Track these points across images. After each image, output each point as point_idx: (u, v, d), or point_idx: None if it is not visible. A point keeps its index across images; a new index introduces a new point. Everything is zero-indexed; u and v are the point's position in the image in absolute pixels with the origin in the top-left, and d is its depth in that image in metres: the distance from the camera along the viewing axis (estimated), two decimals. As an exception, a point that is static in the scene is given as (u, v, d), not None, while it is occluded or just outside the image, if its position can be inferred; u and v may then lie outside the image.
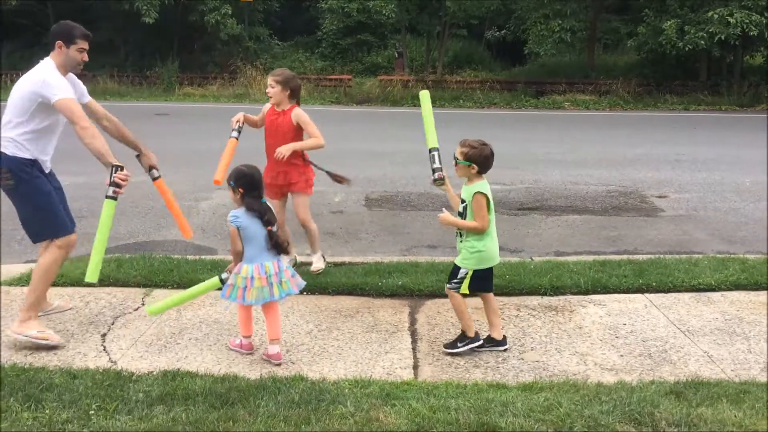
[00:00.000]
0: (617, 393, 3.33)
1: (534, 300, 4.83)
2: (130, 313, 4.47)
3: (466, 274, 3.91)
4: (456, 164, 3.91)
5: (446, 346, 4.00)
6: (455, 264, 3.98)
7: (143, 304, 4.58)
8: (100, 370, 3.51)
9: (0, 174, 3.91)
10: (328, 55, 25.75)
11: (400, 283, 4.97)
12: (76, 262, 5.14)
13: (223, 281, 3.83)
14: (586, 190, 8.55)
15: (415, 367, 3.82)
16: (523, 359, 3.93)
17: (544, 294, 4.91)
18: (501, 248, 6.24)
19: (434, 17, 22.35)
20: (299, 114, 4.94)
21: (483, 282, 3.99)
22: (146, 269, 5.14)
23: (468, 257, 3.91)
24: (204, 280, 4.42)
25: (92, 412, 3.02)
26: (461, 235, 3.96)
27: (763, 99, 19.60)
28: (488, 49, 27.19)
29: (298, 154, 4.97)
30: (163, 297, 4.36)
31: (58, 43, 3.98)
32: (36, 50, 23.63)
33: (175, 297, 3.99)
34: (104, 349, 3.92)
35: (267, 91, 5.02)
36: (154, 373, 3.52)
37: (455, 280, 3.93)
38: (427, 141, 4.23)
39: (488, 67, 25.11)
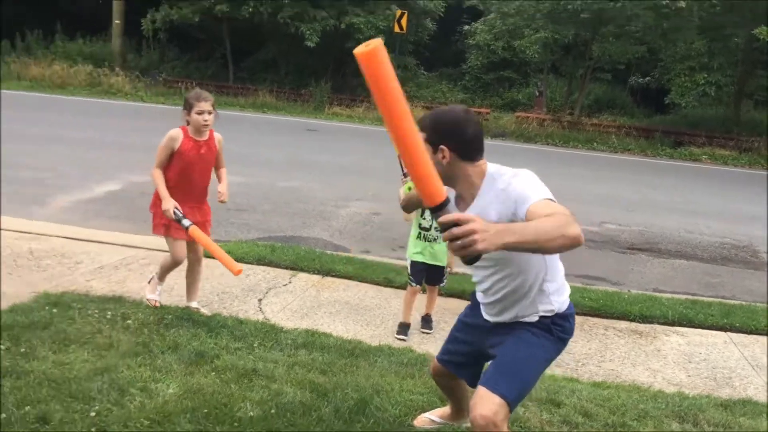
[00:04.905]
0: (672, 398, 3.95)
1: (622, 324, 5.43)
2: (279, 287, 5.53)
3: None
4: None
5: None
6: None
7: (290, 282, 5.63)
8: (260, 321, 4.55)
9: None
10: (470, 87, 26.78)
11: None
12: (238, 243, 6.35)
13: None
14: (699, 239, 8.88)
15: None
16: (600, 367, 4.59)
17: (633, 320, 5.49)
18: (603, 280, 6.82)
19: (579, 60, 22.79)
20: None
21: None
22: (293, 256, 6.19)
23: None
24: (339, 271, 5.45)
25: (255, 345, 4.04)
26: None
27: None
28: (632, 95, 27.18)
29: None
30: (306, 278, 5.36)
31: None
32: (209, 63, 26.32)
33: None
34: (260, 310, 4.97)
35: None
36: (298, 329, 4.50)
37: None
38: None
39: (630, 112, 25.10)
